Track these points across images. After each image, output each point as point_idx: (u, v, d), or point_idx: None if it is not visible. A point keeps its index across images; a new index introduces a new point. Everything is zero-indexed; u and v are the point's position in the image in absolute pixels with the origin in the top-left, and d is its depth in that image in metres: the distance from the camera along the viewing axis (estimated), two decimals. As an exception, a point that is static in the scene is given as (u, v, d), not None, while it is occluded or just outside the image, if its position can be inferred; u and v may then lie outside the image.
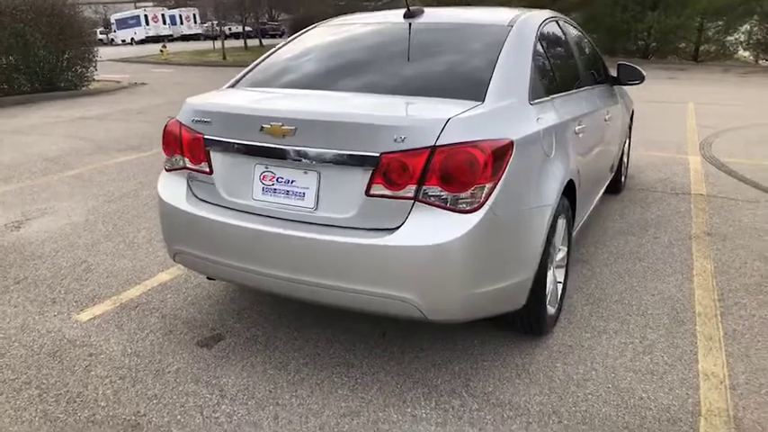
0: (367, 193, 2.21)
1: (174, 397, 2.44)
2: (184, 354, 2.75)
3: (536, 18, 3.13)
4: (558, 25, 3.56)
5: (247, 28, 36.43)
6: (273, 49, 3.31)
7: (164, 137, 2.77)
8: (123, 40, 43.23)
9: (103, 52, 17.87)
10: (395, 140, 2.14)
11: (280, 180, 2.39)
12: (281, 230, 2.33)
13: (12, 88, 12.44)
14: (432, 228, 2.15)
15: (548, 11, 3.60)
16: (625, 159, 5.30)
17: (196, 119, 2.60)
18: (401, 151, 2.14)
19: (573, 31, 3.87)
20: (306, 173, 2.34)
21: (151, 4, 50.44)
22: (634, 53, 23.22)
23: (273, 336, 2.91)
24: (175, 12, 45.69)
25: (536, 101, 2.66)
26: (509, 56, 2.68)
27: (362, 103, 2.50)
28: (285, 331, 2.94)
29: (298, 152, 2.31)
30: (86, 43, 13.41)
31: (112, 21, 46.44)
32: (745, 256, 3.83)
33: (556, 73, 3.10)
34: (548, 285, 2.74)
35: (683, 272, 3.61)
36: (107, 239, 4.23)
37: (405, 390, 2.47)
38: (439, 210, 2.16)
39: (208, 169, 2.58)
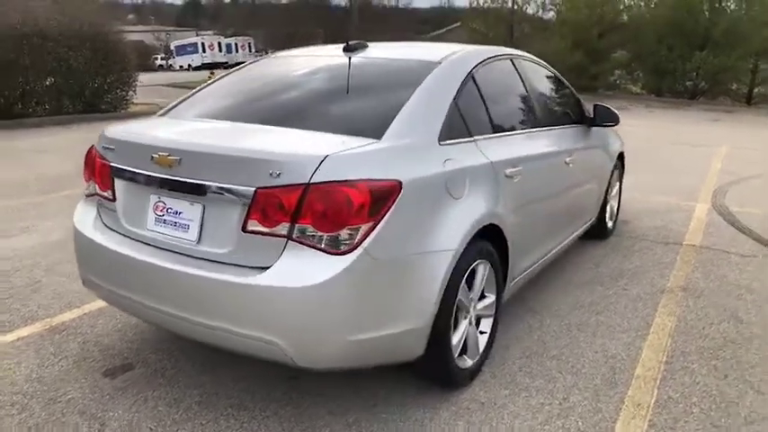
0: (243, 228, 2.15)
1: (53, 429, 2.39)
2: (85, 383, 2.72)
3: (472, 56, 3.03)
4: (513, 64, 3.44)
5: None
6: (215, 78, 3.33)
7: (84, 162, 2.79)
8: (181, 66, 44.94)
9: (158, 77, 18.63)
10: (270, 175, 2.08)
11: (169, 211, 2.36)
12: (165, 263, 2.29)
13: (55, 109, 13.04)
14: (300, 268, 2.06)
15: (502, 48, 3.52)
16: (613, 203, 5.06)
17: (104, 145, 2.61)
18: (276, 187, 2.07)
19: (533, 71, 3.74)
20: (192, 204, 2.30)
21: (211, 32, 52.61)
22: (681, 94, 22.53)
23: (182, 370, 2.84)
24: (232, 40, 47.42)
25: (449, 141, 2.55)
26: (423, 94, 2.59)
27: (252, 135, 2.46)
28: (197, 366, 2.87)
29: (183, 183, 2.27)
30: (127, 68, 13.98)
31: (172, 47, 48.54)
32: (714, 315, 3.55)
33: (491, 113, 2.98)
34: (459, 335, 2.59)
35: (638, 329, 3.36)
36: (71, 261, 4.27)
37: (286, 438, 2.35)
38: (311, 250, 2.07)
39: (112, 196, 2.57)
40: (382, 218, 2.12)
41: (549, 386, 2.76)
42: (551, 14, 26.50)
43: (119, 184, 2.55)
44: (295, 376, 2.77)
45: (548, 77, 3.97)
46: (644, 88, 23.80)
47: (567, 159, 3.65)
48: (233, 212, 2.17)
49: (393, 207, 2.15)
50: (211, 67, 42.64)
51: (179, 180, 2.27)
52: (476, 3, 27.08)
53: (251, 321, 2.12)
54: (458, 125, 2.67)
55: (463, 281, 2.54)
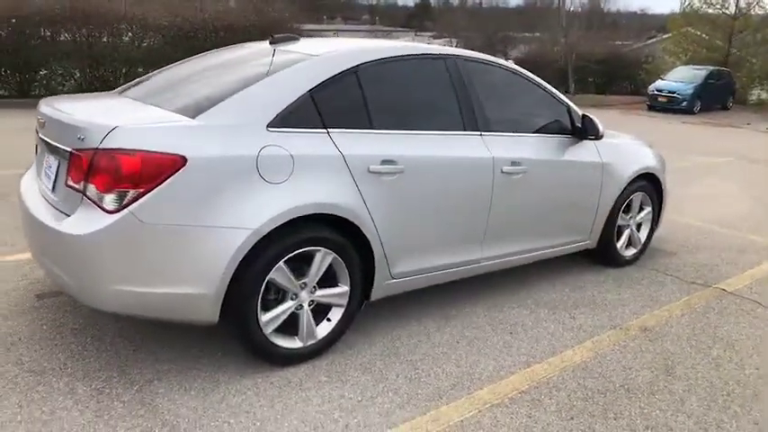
0: (65, 182, 2.56)
1: (-35, 324, 3.06)
2: (19, 300, 3.38)
3: (365, 54, 3.08)
4: (449, 65, 3.34)
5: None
6: (167, 66, 3.71)
7: None
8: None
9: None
10: (78, 139, 2.46)
11: (48, 165, 2.86)
12: (34, 210, 2.78)
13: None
14: (81, 221, 2.41)
15: (442, 48, 3.47)
16: (638, 231, 4.52)
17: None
18: (80, 149, 2.45)
19: (489, 75, 3.58)
20: (55, 159, 2.77)
21: (429, 34, 54.51)
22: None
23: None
24: (438, 42, 48.80)
25: (284, 129, 2.68)
26: (267, 83, 2.76)
27: (117, 110, 2.85)
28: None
29: (45, 142, 2.76)
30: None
31: (384, 47, 51.49)
32: (646, 362, 3.11)
33: (371, 109, 2.99)
34: (275, 315, 2.73)
35: (535, 356, 3.10)
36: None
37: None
38: (93, 206, 2.41)
39: (36, 155, 3.17)
40: (156, 186, 2.37)
41: (372, 384, 2.75)
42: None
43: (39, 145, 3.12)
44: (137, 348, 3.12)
45: (514, 84, 3.75)
46: None
47: (507, 168, 3.44)
48: (64, 168, 2.59)
49: (172, 178, 2.39)
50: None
51: (44, 139, 2.76)
52: (687, 4, 24.47)
53: (57, 260, 2.53)
54: (307, 115, 2.77)
55: (281, 263, 2.67)
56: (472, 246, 3.47)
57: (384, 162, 2.94)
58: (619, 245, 4.40)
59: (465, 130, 3.34)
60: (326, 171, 2.77)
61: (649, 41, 30.78)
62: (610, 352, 3.18)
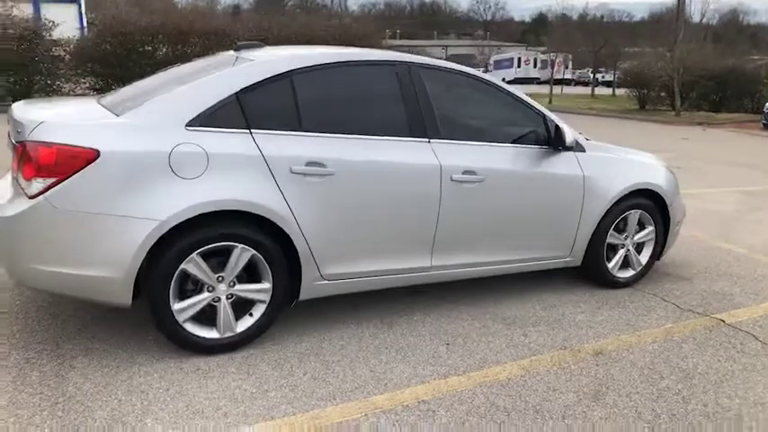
0: (13, 172, 2.88)
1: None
2: None
3: (303, 60, 3.16)
4: (399, 72, 3.35)
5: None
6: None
7: None
8: (496, 80, 47.08)
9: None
10: (18, 132, 2.76)
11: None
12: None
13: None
14: (11, 205, 2.70)
15: (393, 54, 3.46)
16: (636, 253, 4.21)
17: None
18: (17, 142, 2.75)
19: (447, 82, 3.56)
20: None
21: (543, 48, 53.44)
22: None
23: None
24: (549, 56, 47.57)
25: (203, 128, 2.83)
26: (194, 85, 2.95)
27: (52, 107, 3.15)
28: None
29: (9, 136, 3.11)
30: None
31: (491, 61, 51.10)
32: (579, 387, 2.91)
33: (302, 113, 3.07)
34: (189, 304, 2.88)
35: (455, 367, 3.01)
36: None
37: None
38: (20, 192, 2.69)
39: None
40: (69, 176, 2.60)
41: (275, 379, 2.82)
42: None
43: None
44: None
45: (478, 92, 3.67)
46: None
47: (458, 177, 3.37)
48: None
49: (85, 170, 2.61)
50: (523, 81, 43.71)
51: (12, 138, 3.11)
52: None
53: None
54: (230, 116, 2.91)
55: (194, 255, 2.82)
56: (419, 253, 3.43)
57: (309, 164, 3.01)
58: (610, 265, 4.12)
59: (411, 137, 3.32)
60: (244, 169, 2.88)
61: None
62: (544, 372, 3.02)
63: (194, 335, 2.93)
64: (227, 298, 2.97)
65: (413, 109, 3.35)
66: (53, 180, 2.61)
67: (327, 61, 3.24)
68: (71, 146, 2.62)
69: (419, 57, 3.56)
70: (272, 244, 2.98)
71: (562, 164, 3.78)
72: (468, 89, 3.67)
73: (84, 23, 20.48)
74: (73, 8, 22.58)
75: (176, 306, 2.85)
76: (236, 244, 2.90)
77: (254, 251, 2.94)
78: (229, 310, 2.98)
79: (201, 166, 2.80)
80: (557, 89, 33.51)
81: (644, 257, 4.29)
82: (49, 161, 2.60)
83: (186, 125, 2.83)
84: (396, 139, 3.28)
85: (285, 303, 3.17)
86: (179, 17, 13.28)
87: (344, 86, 3.28)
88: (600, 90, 36.07)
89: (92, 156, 2.63)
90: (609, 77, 43.55)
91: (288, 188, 2.96)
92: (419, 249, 3.42)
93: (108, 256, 2.70)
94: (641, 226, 4.22)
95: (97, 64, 12.70)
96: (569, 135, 3.65)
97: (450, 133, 3.45)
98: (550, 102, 25.98)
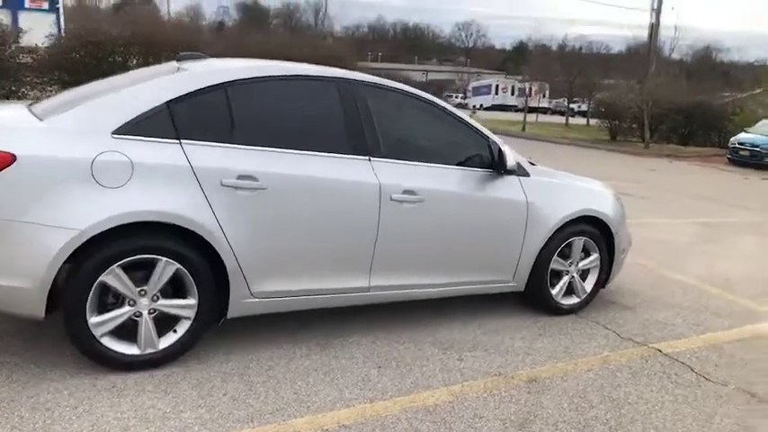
0: None
1: None
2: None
3: (240, 72, 3.14)
4: (343, 89, 3.33)
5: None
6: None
7: None
8: (474, 106, 47.56)
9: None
10: None
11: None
12: None
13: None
14: None
15: (340, 72, 3.44)
16: (581, 280, 4.20)
17: None
18: None
19: (390, 103, 3.59)
20: None
21: (519, 77, 54.32)
22: None
23: None
24: (526, 84, 48.36)
25: (130, 137, 2.76)
26: (123, 93, 2.89)
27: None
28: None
29: None
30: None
31: (469, 88, 51.83)
32: (509, 414, 2.86)
33: (236, 125, 3.03)
34: (106, 319, 2.78)
35: (386, 392, 2.94)
36: None
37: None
38: None
39: None
40: (-13, 180, 2.50)
41: (192, 400, 2.72)
42: None
43: None
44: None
45: (423, 113, 3.67)
46: None
47: (397, 196, 3.34)
48: None
49: (2, 172, 2.51)
50: (500, 108, 44.30)
51: None
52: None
53: None
54: (160, 126, 2.84)
55: (115, 267, 2.72)
56: (357, 273, 3.37)
57: (241, 177, 2.95)
58: (554, 291, 4.10)
59: (350, 154, 3.28)
60: (171, 180, 2.81)
61: (744, 94, 28.95)
62: (473, 398, 2.96)
63: (112, 350, 2.82)
64: (150, 313, 2.87)
65: (353, 126, 3.32)
66: (-31, 184, 2.51)
67: (265, 75, 3.20)
68: (-11, 149, 2.53)
69: (362, 74, 3.54)
70: (198, 258, 2.90)
71: (505, 188, 3.77)
72: (411, 109, 3.67)
73: (63, 33, 20.33)
74: (51, 17, 22.45)
75: (93, 320, 2.75)
76: (160, 257, 2.81)
77: (178, 265, 2.85)
78: (151, 326, 2.88)
79: (125, 175, 2.72)
80: (532, 117, 34.02)
81: (588, 284, 4.28)
82: (-35, 164, 2.50)
83: (113, 133, 2.75)
84: (334, 155, 3.23)
85: (212, 321, 3.07)
86: (151, 29, 13.18)
87: (282, 100, 3.24)
88: (575, 120, 36.70)
89: (7, 160, 2.53)
90: (584, 107, 44.43)
91: (217, 201, 2.89)
92: (357, 269, 3.36)
93: (20, 266, 2.60)
94: (586, 253, 4.22)
95: (65, 72, 12.52)
96: (511, 159, 3.65)
97: (392, 152, 3.42)
98: (524, 129, 26.28)
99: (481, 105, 47.81)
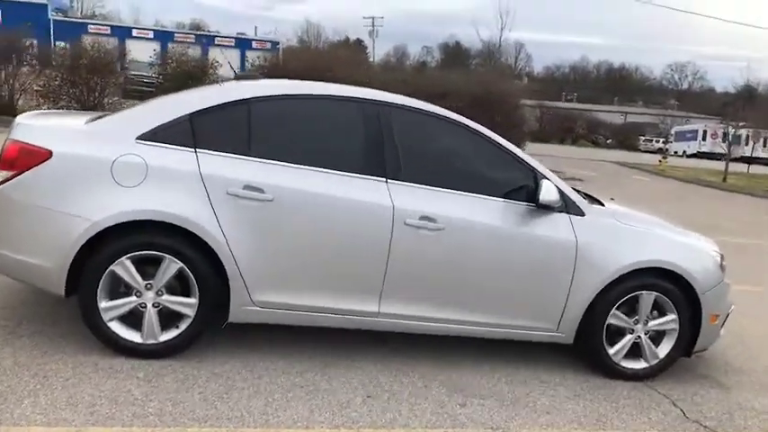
0: None
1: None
2: None
3: (266, 89, 3.31)
4: (368, 108, 3.32)
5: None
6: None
7: None
8: (675, 152, 43.39)
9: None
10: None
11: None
12: None
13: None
14: None
15: (377, 94, 3.41)
16: (645, 338, 3.59)
17: None
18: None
19: (424, 128, 3.49)
20: None
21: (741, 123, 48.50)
22: None
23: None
24: (743, 132, 42.92)
25: (151, 143, 3.04)
26: (155, 104, 3.18)
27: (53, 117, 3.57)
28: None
29: None
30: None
31: (672, 132, 47.38)
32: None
33: (254, 139, 3.16)
34: (114, 304, 3.05)
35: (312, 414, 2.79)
36: None
37: None
38: None
39: None
40: (23, 171, 2.94)
41: (174, 391, 2.85)
42: None
43: None
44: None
45: (460, 139, 3.50)
46: None
47: (412, 222, 3.19)
48: None
49: (38, 167, 2.93)
50: (707, 156, 39.79)
51: None
52: None
53: None
54: (180, 134, 3.08)
55: (124, 258, 3.00)
56: (366, 296, 3.28)
57: (247, 188, 3.06)
58: (612, 350, 3.55)
59: (366, 174, 3.23)
60: (180, 185, 3.02)
61: None
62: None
63: (116, 334, 3.08)
64: (155, 306, 3.08)
65: (373, 147, 3.28)
66: (12, 173, 2.96)
67: (290, 93, 3.31)
68: (30, 144, 2.97)
69: (397, 96, 3.47)
70: (200, 260, 3.06)
71: (551, 225, 3.40)
72: (446, 134, 3.50)
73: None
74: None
75: (103, 304, 3.03)
76: (165, 255, 3.02)
77: (181, 264, 3.04)
78: (154, 318, 3.09)
79: (140, 176, 2.99)
80: (743, 167, 30.09)
81: (663, 350, 3.64)
82: (11, 156, 2.97)
83: (137, 138, 3.05)
84: (346, 173, 3.21)
85: (214, 322, 3.20)
86: (348, 70, 14.32)
87: (303, 118, 3.32)
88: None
89: (45, 155, 2.94)
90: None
91: (221, 208, 3.04)
92: (365, 292, 3.27)
93: (46, 248, 2.98)
94: (661, 312, 3.61)
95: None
96: (552, 194, 3.28)
97: (415, 176, 3.29)
98: (725, 179, 23.28)
99: (684, 152, 43.51)
